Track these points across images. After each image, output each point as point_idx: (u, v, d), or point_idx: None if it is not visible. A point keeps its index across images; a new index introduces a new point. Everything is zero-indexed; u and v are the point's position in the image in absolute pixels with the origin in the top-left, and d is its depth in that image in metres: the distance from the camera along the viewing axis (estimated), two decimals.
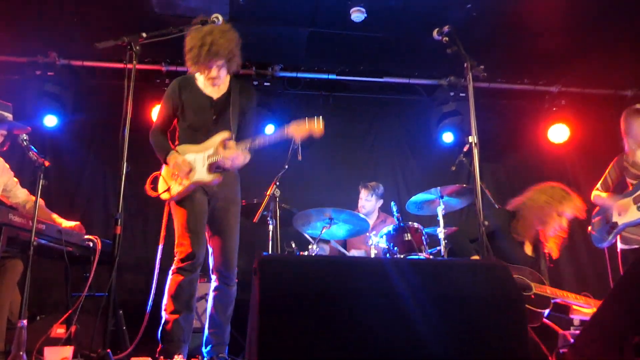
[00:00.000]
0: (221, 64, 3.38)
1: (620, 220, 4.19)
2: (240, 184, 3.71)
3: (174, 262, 3.44)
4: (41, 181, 3.17)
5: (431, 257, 4.32)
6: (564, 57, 5.71)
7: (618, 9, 4.92)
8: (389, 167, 6.54)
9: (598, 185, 4.49)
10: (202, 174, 3.43)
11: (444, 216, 4.56)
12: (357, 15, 4.85)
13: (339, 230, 4.68)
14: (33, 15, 5.10)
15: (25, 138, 3.34)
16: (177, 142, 3.60)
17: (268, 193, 4.13)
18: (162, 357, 3.12)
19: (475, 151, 3.25)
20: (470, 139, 3.29)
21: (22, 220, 3.17)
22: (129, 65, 2.92)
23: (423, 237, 4.39)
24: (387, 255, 4.35)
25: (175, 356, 3.02)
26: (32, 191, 3.96)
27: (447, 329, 2.16)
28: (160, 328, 3.41)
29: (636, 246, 4.15)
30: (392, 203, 4.61)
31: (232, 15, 4.90)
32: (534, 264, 3.80)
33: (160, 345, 3.37)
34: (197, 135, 3.51)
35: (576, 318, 3.74)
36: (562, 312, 3.70)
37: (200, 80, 3.57)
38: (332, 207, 4.42)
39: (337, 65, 6.10)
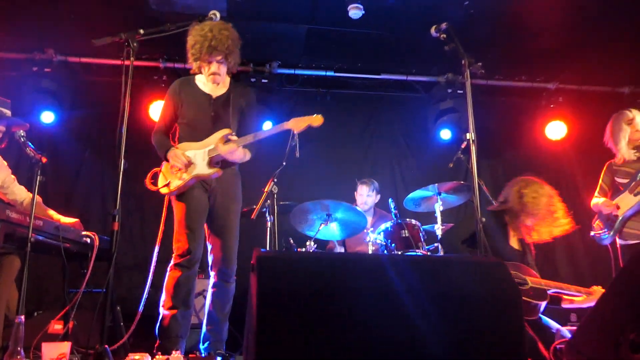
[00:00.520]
0: (221, 59, 3.48)
1: (620, 212, 4.22)
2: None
3: (172, 257, 3.46)
4: (38, 177, 3.16)
5: (429, 253, 4.32)
6: (562, 54, 5.71)
7: (615, 6, 4.92)
8: (387, 164, 6.55)
9: (595, 193, 4.51)
10: (202, 168, 3.47)
11: (442, 213, 4.58)
12: (355, 12, 4.84)
13: (336, 229, 4.67)
14: (30, 11, 5.08)
15: (22, 134, 3.33)
16: (177, 142, 3.63)
17: (266, 190, 4.12)
18: (159, 353, 3.13)
19: (473, 148, 3.26)
20: (468, 135, 3.30)
21: (20, 216, 3.16)
22: (127, 62, 2.92)
23: (421, 234, 4.40)
24: (385, 251, 4.35)
25: (173, 352, 3.03)
26: (30, 188, 3.95)
27: (444, 326, 2.15)
28: (158, 324, 3.43)
29: (633, 241, 4.16)
30: (390, 200, 4.62)
31: (230, 12, 4.89)
32: (522, 257, 3.82)
33: (157, 341, 3.38)
34: (196, 133, 3.54)
35: (567, 307, 3.76)
36: (554, 303, 3.72)
37: (200, 80, 3.65)
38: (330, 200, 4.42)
39: (335, 62, 6.10)
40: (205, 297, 5.00)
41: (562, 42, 5.44)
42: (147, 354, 2.88)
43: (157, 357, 2.94)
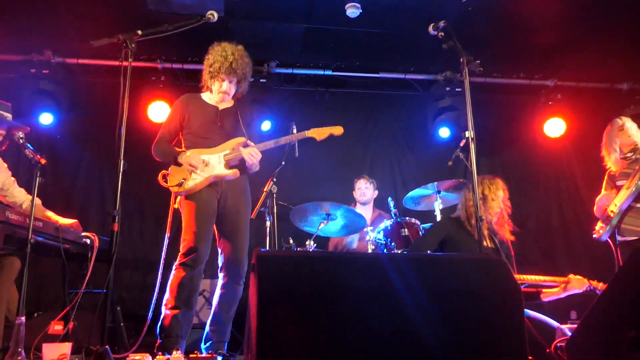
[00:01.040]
0: (234, 81, 3.67)
1: (616, 208, 4.21)
2: None
3: (178, 256, 3.49)
4: (38, 179, 3.16)
5: (428, 252, 4.32)
6: (560, 51, 5.71)
7: (613, 2, 4.92)
8: (386, 163, 6.55)
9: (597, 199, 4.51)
10: (220, 169, 3.57)
11: (441, 211, 4.58)
12: (353, 10, 4.84)
13: (336, 226, 4.68)
14: (27, 13, 5.07)
15: (21, 136, 3.33)
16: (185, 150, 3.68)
17: (265, 189, 4.14)
18: (160, 352, 3.14)
19: (472, 146, 3.26)
20: (467, 133, 3.29)
21: (19, 217, 3.16)
22: (125, 63, 2.92)
23: (420, 232, 4.40)
24: (385, 250, 4.36)
25: (173, 351, 3.03)
26: (29, 190, 3.95)
27: (445, 325, 2.15)
28: (160, 323, 3.43)
29: (632, 238, 4.16)
30: (389, 198, 4.62)
31: (227, 12, 4.88)
32: (496, 253, 3.83)
33: (158, 340, 3.39)
34: (204, 142, 3.65)
35: (548, 300, 3.77)
36: (532, 299, 3.74)
37: (206, 96, 3.79)
38: (330, 201, 4.43)
39: (333, 61, 6.09)
40: (205, 297, 5.02)
41: (560, 39, 5.44)
42: (148, 354, 2.88)
43: (158, 356, 2.94)
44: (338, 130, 3.80)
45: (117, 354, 3.19)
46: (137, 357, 2.78)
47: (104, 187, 6.03)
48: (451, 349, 2.11)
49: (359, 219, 4.55)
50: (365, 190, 5.42)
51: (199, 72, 3.90)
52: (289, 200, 4.83)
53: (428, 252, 3.83)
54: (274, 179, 4.15)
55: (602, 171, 4.53)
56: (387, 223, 4.47)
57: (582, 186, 6.56)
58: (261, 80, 5.90)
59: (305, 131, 3.71)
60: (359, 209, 5.33)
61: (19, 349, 2.57)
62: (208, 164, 3.58)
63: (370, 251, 4.43)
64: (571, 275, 3.74)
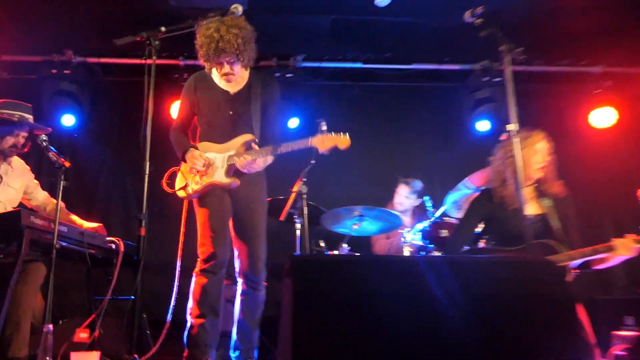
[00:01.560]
0: (231, 60, 3.40)
1: None
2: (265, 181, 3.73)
3: (197, 263, 3.49)
4: (62, 182, 3.23)
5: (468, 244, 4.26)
6: (608, 34, 5.56)
7: None
8: (421, 159, 6.48)
9: None
10: (219, 176, 3.48)
11: None
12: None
13: (370, 226, 4.67)
14: (47, 12, 5.20)
15: (44, 139, 3.41)
16: (198, 141, 3.65)
17: (294, 190, 4.13)
18: None
19: (516, 140, 3.19)
20: (510, 127, 3.23)
21: (44, 222, 3.24)
22: (149, 61, 2.96)
23: None
24: (423, 253, 4.34)
25: None
26: (52, 193, 4.05)
27: (487, 332, 2.14)
28: (186, 333, 3.46)
29: None
30: (427, 197, 4.59)
31: (251, 5, 4.91)
32: (543, 221, 3.62)
33: (186, 350, 3.42)
34: (216, 133, 3.56)
35: (598, 268, 3.51)
36: (585, 268, 3.52)
37: (216, 75, 3.60)
38: (362, 204, 4.43)
39: (363, 53, 6.07)
40: (233, 304, 5.05)
41: (608, 21, 5.29)
42: None
43: None
44: (344, 142, 3.40)
45: None
46: None
47: (127, 190, 6.14)
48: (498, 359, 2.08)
49: (394, 218, 4.53)
50: (405, 200, 5.33)
51: None
52: (320, 200, 4.83)
53: (469, 241, 3.68)
54: (304, 179, 4.14)
55: None
56: (425, 224, 4.45)
57: (638, 181, 6.38)
58: (287, 76, 5.91)
59: (310, 138, 3.39)
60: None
61: (47, 358, 2.63)
62: (212, 165, 3.48)
63: (407, 254, 4.41)
64: (614, 240, 3.31)
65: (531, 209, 3.67)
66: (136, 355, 2.61)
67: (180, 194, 3.55)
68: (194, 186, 3.49)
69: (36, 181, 4.08)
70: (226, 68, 3.43)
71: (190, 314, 3.46)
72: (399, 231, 4.62)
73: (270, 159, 3.52)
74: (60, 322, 4.18)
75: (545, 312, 2.16)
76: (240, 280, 3.60)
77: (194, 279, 3.50)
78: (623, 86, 6.21)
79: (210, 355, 3.38)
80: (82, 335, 3.49)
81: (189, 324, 3.46)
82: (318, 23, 5.44)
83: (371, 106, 6.48)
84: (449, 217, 4.61)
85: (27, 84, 5.97)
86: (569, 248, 3.40)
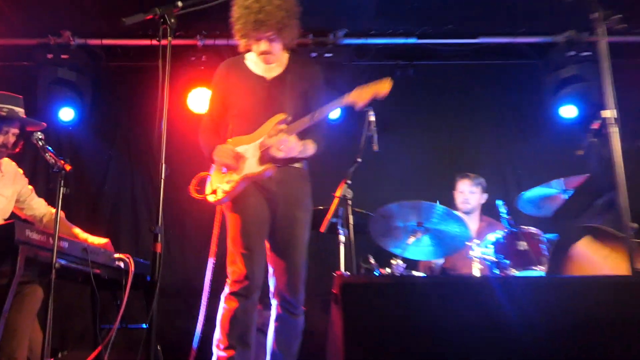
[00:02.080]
0: (272, 36, 3.47)
1: None
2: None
3: (227, 284, 3.51)
4: (61, 189, 3.29)
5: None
6: None
7: None
8: (492, 154, 6.43)
9: None
10: (251, 166, 3.49)
11: None
12: None
13: (429, 245, 4.66)
14: None
15: (40, 137, 3.48)
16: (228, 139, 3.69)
17: (337, 195, 4.11)
18: None
19: (614, 129, 3.12)
20: (606, 113, 3.15)
21: (42, 237, 3.31)
22: (164, 42, 2.98)
23: (543, 246, 4.31)
24: (496, 270, 4.29)
25: None
26: (49, 201, 4.14)
27: None
28: None
29: None
30: (500, 202, 4.53)
31: None
32: None
33: None
34: (249, 124, 3.57)
35: None
36: None
37: (251, 60, 3.67)
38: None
39: (418, 26, 6.04)
40: (265, 333, 5.08)
41: None
42: None
43: None
44: (384, 86, 3.43)
45: None
46: None
47: (136, 196, 6.26)
48: None
49: (461, 227, 4.48)
50: (469, 195, 5.31)
51: None
52: (367, 207, 4.81)
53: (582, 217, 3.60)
54: (348, 181, 4.12)
55: None
56: (498, 235, 4.39)
57: None
58: (326, 55, 5.91)
59: (346, 95, 3.45)
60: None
61: None
62: (243, 159, 3.51)
63: (476, 272, 4.34)
64: None
65: None
66: None
67: (211, 198, 3.57)
68: (225, 186, 3.52)
69: (30, 187, 4.16)
70: (264, 45, 3.50)
71: (217, 346, 3.49)
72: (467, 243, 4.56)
73: (311, 148, 3.53)
74: (61, 354, 4.28)
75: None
76: (274, 302, 3.60)
77: (222, 303, 3.52)
78: None
79: None
80: None
81: (215, 357, 3.48)
82: None
83: (429, 90, 6.44)
84: (528, 224, 4.54)
85: (18, 72, 6.13)
86: None
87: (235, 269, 3.47)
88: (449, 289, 2.26)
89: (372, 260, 4.59)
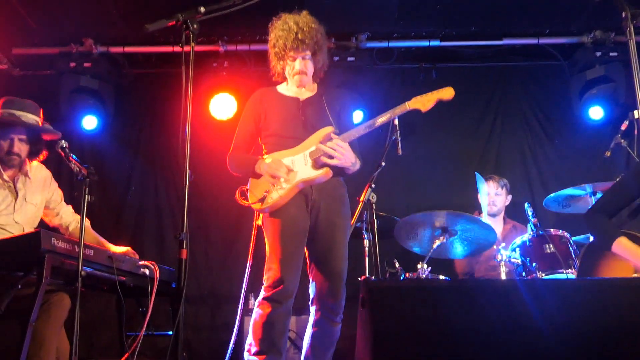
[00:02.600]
0: (308, 56, 3.73)
1: None
2: None
3: (262, 290, 3.58)
4: (86, 197, 3.31)
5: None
6: None
7: None
8: (517, 157, 6.40)
9: None
10: (307, 171, 3.62)
11: None
12: None
13: (457, 246, 4.61)
14: None
15: (64, 145, 3.49)
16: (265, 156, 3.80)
17: (361, 199, 4.11)
18: None
19: None
20: (634, 114, 3.12)
21: (67, 245, 3.32)
22: (187, 48, 3.01)
23: (571, 249, 4.30)
24: (523, 274, 4.26)
25: None
26: (73, 209, 4.17)
27: None
28: None
29: None
30: (527, 204, 4.50)
31: None
32: None
33: None
34: (285, 141, 3.73)
35: None
36: None
37: (283, 87, 3.89)
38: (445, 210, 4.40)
39: (441, 28, 6.03)
40: (291, 339, 5.10)
41: None
42: None
43: None
44: (448, 92, 3.78)
45: None
46: None
47: (160, 204, 6.30)
48: None
49: (487, 232, 4.45)
50: (495, 197, 5.30)
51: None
52: (392, 211, 4.81)
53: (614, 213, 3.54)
54: (372, 185, 4.12)
55: None
56: (524, 237, 4.36)
57: None
58: (349, 59, 5.93)
59: (406, 102, 3.71)
60: (485, 220, 5.21)
61: None
62: (293, 169, 3.63)
63: (503, 275, 4.31)
64: None
65: None
66: None
67: (256, 206, 3.67)
68: (275, 194, 3.61)
69: (61, 193, 4.17)
70: (299, 64, 3.73)
71: (248, 351, 3.53)
72: (493, 248, 4.54)
73: (358, 164, 3.73)
74: None
75: None
76: (313, 309, 3.66)
77: (256, 309, 3.58)
78: None
79: None
80: None
81: None
82: None
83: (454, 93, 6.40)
84: (555, 227, 4.51)
85: (41, 81, 6.22)
86: None
87: (270, 275, 3.54)
88: (476, 293, 2.25)
89: (397, 265, 4.59)
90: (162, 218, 6.25)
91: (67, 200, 4.25)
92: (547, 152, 6.40)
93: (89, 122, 6.10)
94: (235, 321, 3.90)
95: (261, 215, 3.71)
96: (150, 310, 3.62)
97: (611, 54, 5.86)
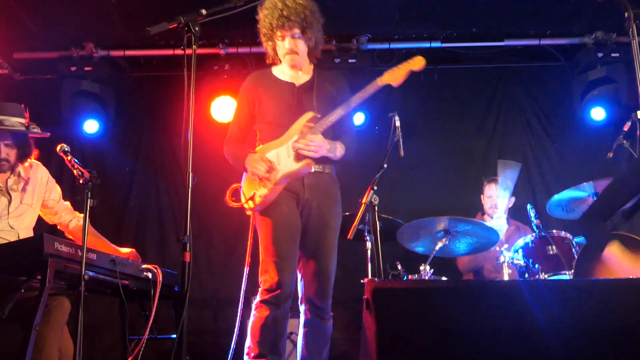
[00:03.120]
0: (296, 34, 3.57)
1: None
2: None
3: (258, 293, 3.55)
4: (89, 201, 3.32)
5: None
6: None
7: None
8: (519, 159, 6.34)
9: None
10: (289, 164, 3.54)
11: None
12: None
13: (459, 244, 4.61)
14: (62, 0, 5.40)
15: (66, 149, 3.50)
16: (256, 147, 3.74)
17: (364, 201, 4.11)
18: None
19: None
20: (638, 114, 3.13)
21: (70, 249, 3.32)
22: (188, 51, 3.02)
23: (573, 250, 4.29)
24: (526, 275, 4.28)
25: None
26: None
27: None
28: None
29: None
30: (529, 206, 4.50)
31: None
32: None
33: None
34: (279, 130, 3.63)
35: None
36: None
37: (278, 70, 3.76)
38: (448, 215, 4.39)
39: (442, 29, 6.04)
40: (293, 341, 5.10)
41: None
42: None
43: None
44: (418, 63, 3.59)
45: None
46: None
47: (162, 207, 6.31)
48: None
49: (490, 233, 4.46)
50: (497, 200, 5.31)
51: None
52: (394, 213, 4.81)
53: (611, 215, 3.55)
54: (375, 187, 4.12)
55: None
56: (527, 239, 4.36)
57: None
58: (350, 61, 5.93)
59: (377, 78, 3.55)
60: (488, 222, 5.21)
61: None
62: (278, 162, 3.56)
63: (506, 277, 4.32)
64: None
65: None
66: None
67: (248, 205, 3.61)
68: (262, 191, 3.55)
69: (59, 191, 4.16)
70: (289, 42, 3.59)
71: (248, 354, 3.51)
72: (496, 248, 4.54)
73: (340, 148, 3.60)
74: None
75: None
76: (303, 308, 3.64)
77: (253, 312, 3.55)
78: None
79: None
80: None
81: None
82: None
83: (454, 94, 6.42)
84: (558, 228, 4.51)
85: (42, 85, 6.24)
86: None
87: (267, 277, 3.51)
88: (480, 294, 2.25)
89: (399, 267, 4.60)
90: (164, 221, 6.25)
91: (68, 198, 4.25)
92: (548, 154, 6.41)
93: (90, 126, 6.11)
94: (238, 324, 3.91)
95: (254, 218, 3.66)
96: (153, 313, 3.63)
97: (613, 54, 5.86)
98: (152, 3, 5.28)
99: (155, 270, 3.76)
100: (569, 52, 6.24)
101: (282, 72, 3.76)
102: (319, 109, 3.61)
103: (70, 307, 3.70)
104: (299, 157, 3.52)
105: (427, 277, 4.38)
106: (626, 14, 3.08)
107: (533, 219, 4.44)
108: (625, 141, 4.54)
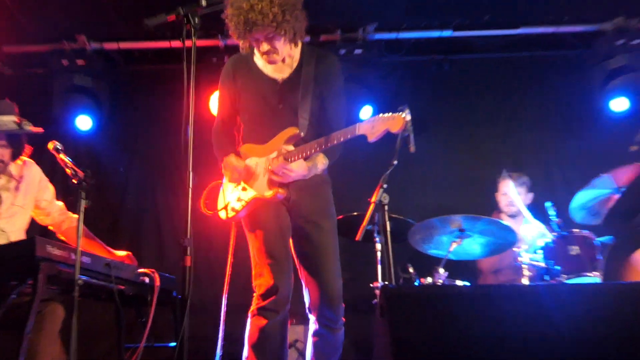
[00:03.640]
0: (269, 35, 3.32)
1: None
2: (333, 191, 3.73)
3: (253, 299, 3.51)
4: (84, 202, 3.31)
5: None
6: None
7: None
8: (537, 153, 6.39)
9: None
10: (261, 187, 3.49)
11: None
12: None
13: (474, 245, 4.59)
14: None
15: (59, 147, 3.49)
16: (241, 144, 3.69)
17: (373, 200, 4.08)
18: None
19: None
20: None
21: (63, 252, 3.31)
22: (188, 43, 2.98)
23: (596, 250, 4.27)
24: (547, 278, 4.25)
25: None
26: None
27: None
28: None
29: None
30: (549, 203, 4.48)
31: None
32: None
33: None
34: (262, 131, 3.55)
35: None
36: None
37: (259, 58, 3.59)
38: (462, 213, 4.38)
39: (453, 17, 6.02)
40: (298, 350, 5.09)
41: None
42: None
43: None
44: (397, 123, 3.24)
45: None
46: None
47: (159, 207, 6.30)
48: None
49: (507, 233, 4.44)
50: (516, 197, 5.26)
51: None
52: (405, 212, 4.79)
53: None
54: (384, 185, 4.10)
55: None
56: (547, 239, 4.34)
57: None
58: (356, 52, 5.92)
59: (357, 124, 3.30)
60: (505, 220, 5.19)
61: None
62: (253, 174, 3.51)
63: (525, 280, 4.30)
64: None
65: None
66: None
67: (222, 215, 3.58)
68: (235, 204, 3.52)
69: (52, 190, 4.15)
70: (264, 46, 3.37)
71: None
72: (514, 249, 4.52)
73: (320, 164, 3.50)
74: None
75: None
76: (312, 318, 3.59)
77: (250, 320, 3.51)
78: None
79: None
80: None
81: None
82: None
83: (467, 86, 6.40)
84: (579, 227, 4.49)
85: (33, 80, 6.23)
86: None
87: (262, 281, 3.45)
88: (497, 299, 2.26)
89: (411, 270, 4.58)
90: (161, 222, 6.25)
91: (60, 198, 4.24)
92: (568, 147, 6.37)
93: (84, 122, 6.11)
94: (239, 331, 3.88)
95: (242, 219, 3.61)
96: (150, 320, 3.61)
97: (635, 41, 5.85)
98: None
99: (153, 275, 3.75)
100: (588, 39, 6.23)
101: (263, 63, 3.56)
102: (304, 110, 3.48)
103: (64, 314, 3.70)
104: (271, 182, 3.46)
105: (441, 281, 4.36)
106: None
107: (553, 217, 4.42)
108: None
